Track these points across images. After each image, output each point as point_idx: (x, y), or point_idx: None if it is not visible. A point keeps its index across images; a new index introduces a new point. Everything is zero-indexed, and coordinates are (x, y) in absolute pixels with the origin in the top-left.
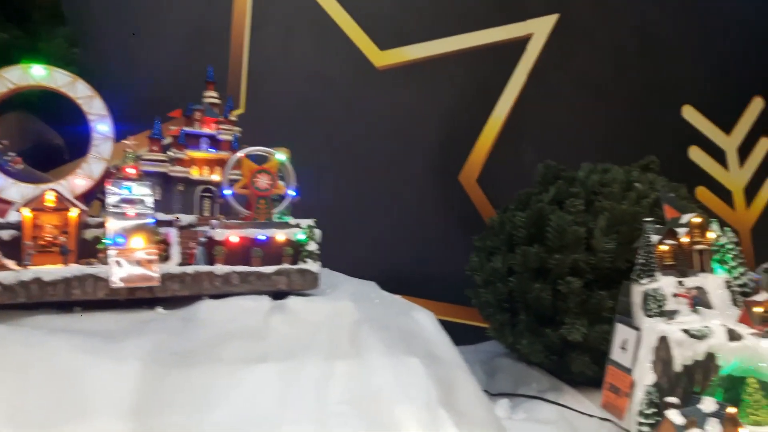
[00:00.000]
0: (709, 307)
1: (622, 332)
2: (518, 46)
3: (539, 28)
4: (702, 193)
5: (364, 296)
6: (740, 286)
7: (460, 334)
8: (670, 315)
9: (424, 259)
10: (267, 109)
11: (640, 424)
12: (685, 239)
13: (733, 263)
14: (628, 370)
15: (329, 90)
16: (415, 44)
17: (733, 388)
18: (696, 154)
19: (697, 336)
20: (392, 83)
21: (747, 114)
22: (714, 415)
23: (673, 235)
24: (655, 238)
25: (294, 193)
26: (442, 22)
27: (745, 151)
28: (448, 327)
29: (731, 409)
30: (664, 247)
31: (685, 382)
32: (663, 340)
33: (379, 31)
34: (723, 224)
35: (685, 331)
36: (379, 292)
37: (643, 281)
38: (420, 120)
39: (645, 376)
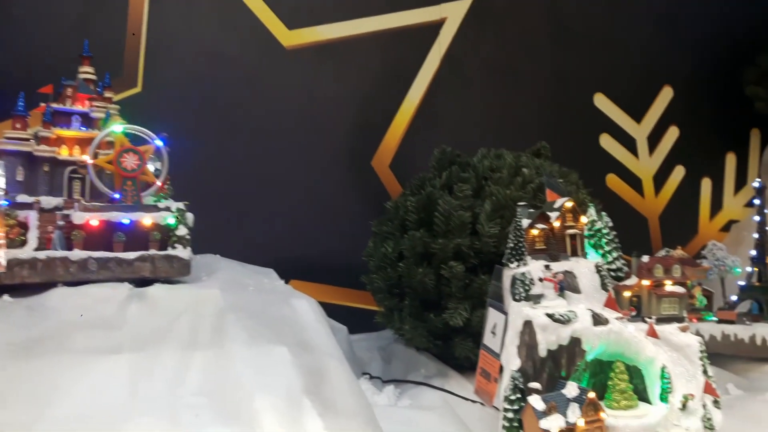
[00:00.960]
0: (577, 292)
1: (492, 317)
2: (432, 30)
3: (453, 13)
4: (612, 180)
5: (240, 284)
6: (614, 270)
7: (366, 321)
8: (536, 299)
9: (334, 245)
10: (166, 89)
11: (505, 409)
12: (556, 223)
13: (608, 248)
14: (497, 355)
15: (233, 69)
16: (326, 24)
17: (602, 372)
18: (607, 141)
19: (562, 321)
20: (301, 64)
21: (657, 103)
22: (575, 400)
23: (545, 219)
24: (525, 222)
25: (159, 184)
26: (355, 3)
27: (654, 139)
28: (354, 313)
29: (591, 394)
30: (534, 231)
31: (550, 367)
32: (528, 325)
33: (288, 10)
34: (632, 211)
35: (550, 315)
36: (271, 279)
37: (512, 265)
38: (331, 103)
39: (511, 361)
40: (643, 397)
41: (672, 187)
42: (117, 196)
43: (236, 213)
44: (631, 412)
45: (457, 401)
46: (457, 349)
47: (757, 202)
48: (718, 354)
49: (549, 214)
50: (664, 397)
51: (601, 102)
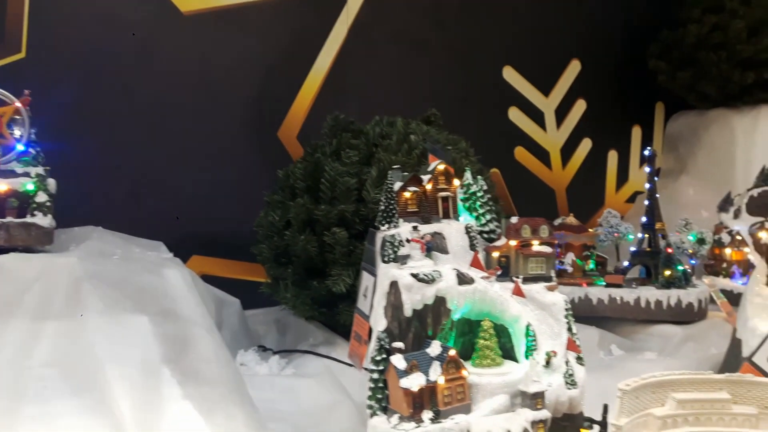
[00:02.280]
0: (446, 252)
1: (365, 280)
2: None
3: None
4: (520, 153)
5: (105, 253)
6: (488, 232)
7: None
8: (403, 260)
9: (238, 219)
10: (52, 54)
11: (371, 371)
12: (429, 186)
13: (482, 210)
14: (367, 317)
15: (126, 35)
16: None
17: (471, 332)
18: (515, 114)
19: (426, 280)
20: (201, 31)
21: (565, 76)
22: (438, 358)
23: (418, 182)
24: (397, 184)
25: (24, 148)
26: None
27: (562, 112)
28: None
29: (452, 352)
30: (407, 194)
31: (416, 327)
32: (394, 285)
33: None
34: (540, 183)
35: (414, 275)
36: (159, 252)
37: (383, 228)
38: (234, 72)
39: (378, 322)
40: (512, 355)
41: (579, 160)
42: None
43: (132, 186)
44: (495, 369)
45: (341, 368)
46: (342, 316)
47: (647, 169)
48: (606, 317)
49: (422, 177)
50: (529, 355)
51: (510, 75)
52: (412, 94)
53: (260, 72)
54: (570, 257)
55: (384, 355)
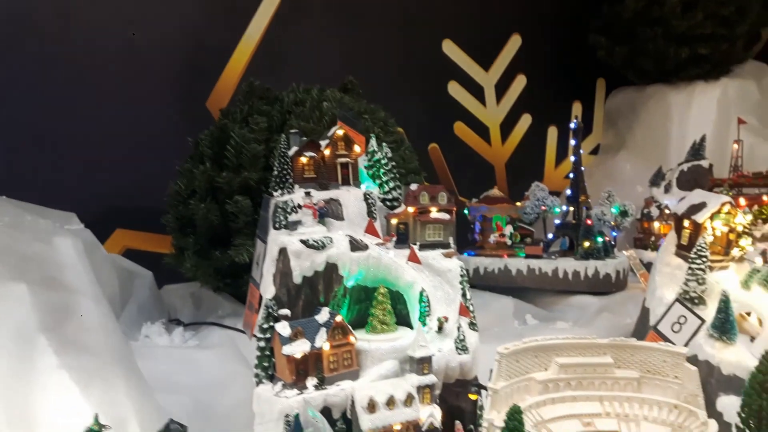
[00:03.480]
0: (341, 219)
1: (258, 248)
2: None
3: None
4: (460, 128)
5: None
6: (390, 200)
7: None
8: (293, 226)
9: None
10: None
11: (258, 338)
12: (327, 152)
13: (385, 178)
14: (258, 286)
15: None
16: None
17: (367, 299)
18: (455, 89)
19: (316, 246)
20: None
21: (505, 51)
22: (325, 324)
23: (315, 147)
24: (293, 149)
25: None
26: None
27: (502, 87)
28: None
29: (338, 318)
30: (303, 159)
31: (307, 294)
32: (283, 252)
33: None
34: (479, 159)
35: (304, 242)
36: (71, 224)
37: (276, 194)
38: (159, 39)
39: (267, 290)
40: (408, 322)
41: (519, 135)
42: None
43: (54, 158)
44: (386, 335)
45: (244, 339)
46: (247, 287)
47: (572, 142)
48: (525, 288)
49: (319, 142)
50: (422, 321)
51: (450, 48)
52: (348, 66)
53: (187, 41)
54: (509, 230)
55: (271, 323)
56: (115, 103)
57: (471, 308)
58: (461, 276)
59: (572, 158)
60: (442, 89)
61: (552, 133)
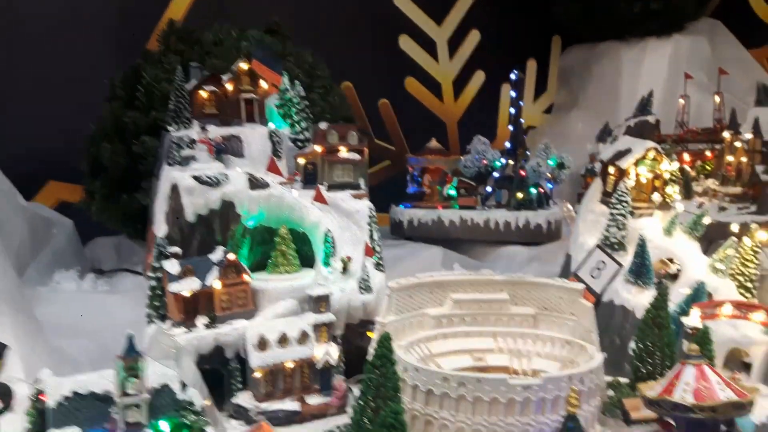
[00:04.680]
0: (241, 156)
1: (154, 186)
2: None
3: None
4: (411, 83)
5: None
6: (302, 141)
7: None
8: (185, 161)
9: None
10: None
11: (149, 278)
12: (229, 86)
13: (297, 118)
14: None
15: None
16: None
17: (272, 241)
18: (406, 43)
19: (209, 183)
20: None
21: (459, 5)
22: (218, 263)
23: (216, 81)
24: (191, 83)
25: None
26: None
27: (455, 43)
28: None
29: (231, 256)
30: (203, 94)
31: (203, 234)
32: (174, 189)
33: None
34: (430, 115)
35: (196, 177)
36: None
37: (172, 129)
38: None
39: (159, 228)
40: (314, 263)
41: (471, 93)
42: None
43: None
44: (288, 276)
45: None
46: None
47: (512, 93)
48: (458, 239)
49: (221, 76)
50: (326, 261)
51: (401, 0)
52: (295, 15)
53: None
54: (455, 185)
55: (161, 263)
56: (47, 53)
57: (377, 249)
58: (369, 217)
59: (511, 110)
60: (393, 43)
61: (506, 90)
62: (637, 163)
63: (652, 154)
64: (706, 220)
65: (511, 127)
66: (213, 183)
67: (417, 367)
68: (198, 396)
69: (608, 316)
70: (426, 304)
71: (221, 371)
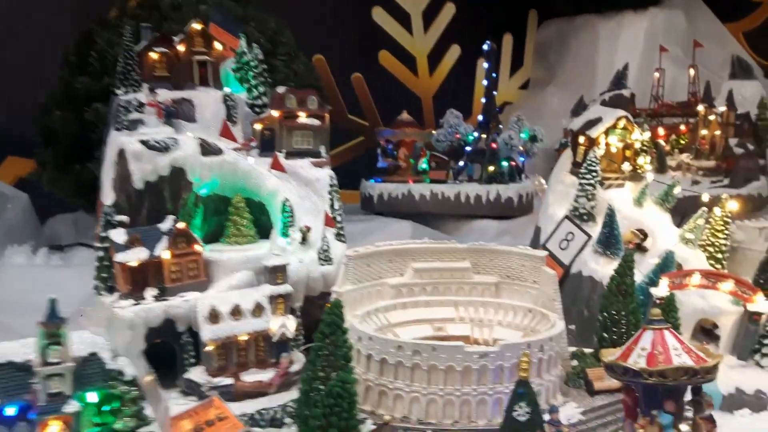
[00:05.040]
0: (192, 121)
1: (103, 154)
2: None
3: None
4: (385, 57)
5: None
6: (260, 106)
7: None
8: (134, 126)
9: None
10: None
11: (96, 248)
12: (181, 48)
13: (254, 82)
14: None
15: None
16: None
17: (227, 210)
18: (380, 15)
19: (157, 147)
20: None
21: None
22: (167, 233)
23: (166, 42)
24: (142, 44)
25: None
26: None
27: (430, 15)
28: None
29: (180, 225)
30: (153, 55)
31: (153, 201)
32: (121, 154)
33: None
34: (404, 90)
35: (144, 142)
36: None
37: (120, 92)
38: None
39: (106, 196)
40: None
41: (446, 67)
42: None
43: None
44: (244, 246)
45: None
46: None
47: (485, 65)
48: (428, 213)
49: (173, 37)
50: (284, 232)
51: None
52: None
53: None
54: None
55: (109, 231)
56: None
57: (339, 219)
58: (330, 186)
59: (484, 82)
60: (366, 15)
61: (482, 65)
62: (607, 132)
63: (622, 123)
64: (677, 191)
65: (483, 100)
66: (162, 148)
67: (371, 335)
68: (130, 365)
69: (576, 287)
70: (385, 274)
71: (173, 346)
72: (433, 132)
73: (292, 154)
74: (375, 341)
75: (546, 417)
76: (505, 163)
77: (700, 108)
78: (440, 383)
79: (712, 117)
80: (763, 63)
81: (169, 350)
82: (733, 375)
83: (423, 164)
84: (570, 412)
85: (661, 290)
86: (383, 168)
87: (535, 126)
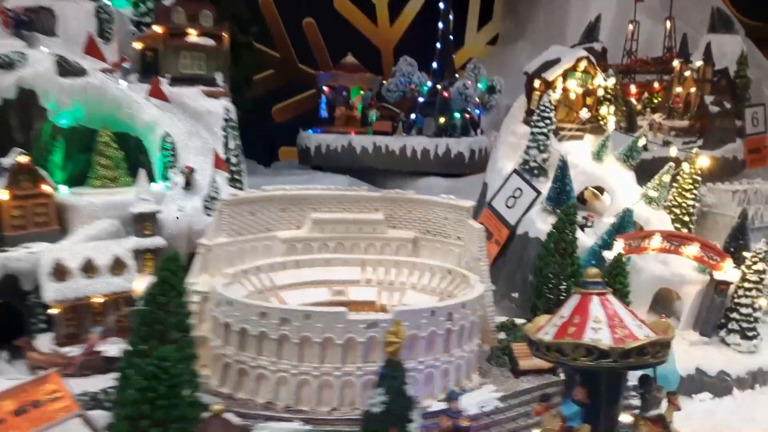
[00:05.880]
0: (52, 35)
1: None
2: None
3: None
4: (342, 4)
5: None
6: (147, 25)
7: None
8: None
9: None
10: None
11: None
12: None
13: None
14: None
15: None
16: None
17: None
18: None
19: (0, 64)
20: None
21: None
22: (8, 169)
23: None
24: None
25: None
26: None
27: None
28: None
29: (22, 159)
30: None
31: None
32: None
33: None
34: (363, 40)
35: None
36: None
37: None
38: None
39: None
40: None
41: (409, 17)
42: None
43: None
44: (111, 190)
45: None
46: None
47: (441, 6)
48: (371, 168)
49: None
50: (164, 174)
51: None
52: None
53: None
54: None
55: None
56: None
57: (233, 160)
58: (225, 120)
59: (440, 25)
60: None
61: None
62: (565, 76)
63: (583, 65)
64: (642, 142)
65: (438, 45)
66: (4, 64)
67: (229, 299)
68: None
69: (522, 250)
70: (277, 225)
71: (18, 307)
72: (378, 77)
73: (179, 81)
74: (234, 306)
75: (442, 406)
76: (457, 115)
77: (676, 63)
78: (315, 360)
79: (687, 73)
80: (746, 21)
81: (15, 313)
82: (694, 353)
83: (373, 116)
84: (485, 397)
85: (615, 254)
86: (326, 118)
87: (495, 76)
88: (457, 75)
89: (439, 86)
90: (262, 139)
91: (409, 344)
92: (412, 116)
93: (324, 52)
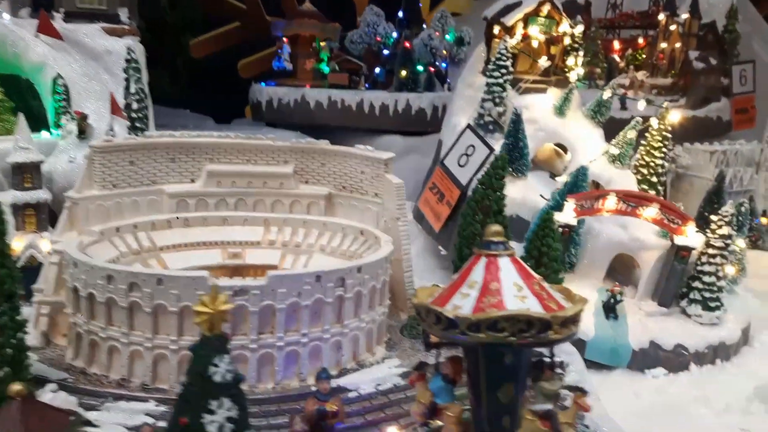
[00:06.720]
0: None
1: None
2: None
3: None
4: None
5: None
6: None
7: None
8: None
9: None
10: None
11: None
12: None
13: None
14: None
15: None
16: None
17: None
18: None
19: None
20: None
21: None
22: None
23: None
24: None
25: None
26: None
27: None
28: None
29: None
30: None
31: None
32: None
33: None
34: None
35: None
36: None
37: None
38: None
39: None
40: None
41: None
42: None
43: None
44: None
45: None
46: None
47: None
48: (326, 124)
49: None
50: (55, 120)
51: None
52: None
53: None
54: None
55: None
56: None
57: (135, 106)
58: (128, 61)
59: None
60: None
61: None
62: (526, 21)
63: (546, 9)
64: (607, 95)
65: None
66: None
67: (75, 259)
68: None
69: None
70: (164, 178)
71: None
72: (337, 24)
73: (74, 16)
74: (80, 268)
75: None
76: (421, 69)
77: (661, 17)
78: (173, 332)
79: (673, 27)
80: None
81: None
82: (650, 325)
83: (326, 66)
84: (384, 373)
85: (565, 216)
86: (281, 69)
87: (464, 26)
88: (425, 26)
89: (403, 35)
90: (228, 95)
91: (288, 315)
92: (377, 70)
93: (293, 2)
